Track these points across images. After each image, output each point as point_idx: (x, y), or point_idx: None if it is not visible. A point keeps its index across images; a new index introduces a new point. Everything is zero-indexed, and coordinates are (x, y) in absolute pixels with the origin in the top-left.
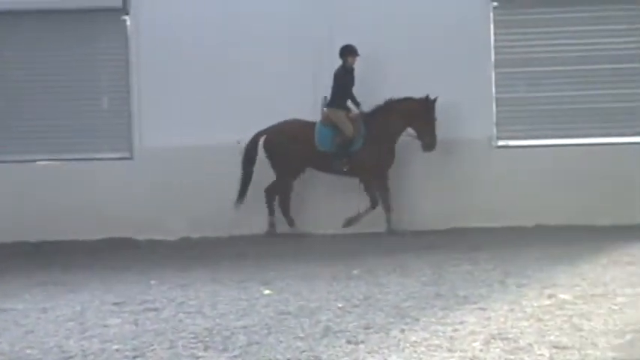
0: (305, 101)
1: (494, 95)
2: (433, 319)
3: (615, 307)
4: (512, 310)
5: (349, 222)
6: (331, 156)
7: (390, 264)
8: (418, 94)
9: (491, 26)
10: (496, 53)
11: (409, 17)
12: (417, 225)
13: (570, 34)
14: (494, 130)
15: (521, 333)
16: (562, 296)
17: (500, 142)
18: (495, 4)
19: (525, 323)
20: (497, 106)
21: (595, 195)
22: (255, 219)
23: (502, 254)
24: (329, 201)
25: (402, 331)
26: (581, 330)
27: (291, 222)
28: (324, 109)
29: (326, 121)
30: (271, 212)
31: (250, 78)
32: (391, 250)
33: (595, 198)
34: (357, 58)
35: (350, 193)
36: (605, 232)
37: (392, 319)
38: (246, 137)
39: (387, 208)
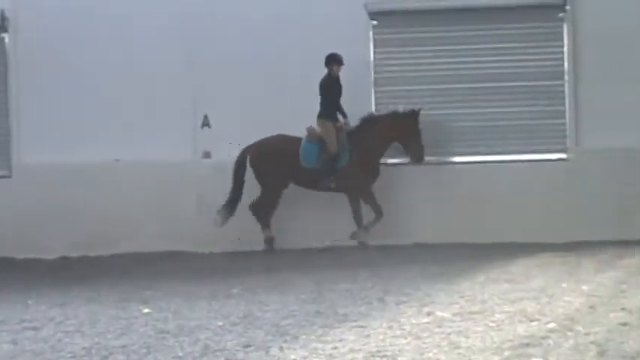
0: (185, 116)
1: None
2: (313, 337)
3: (493, 325)
4: (390, 327)
5: (357, 235)
6: (317, 173)
7: (270, 282)
8: (297, 112)
9: (371, 45)
10: (375, 72)
11: (289, 36)
12: (292, 243)
13: (451, 53)
14: None
15: (400, 351)
16: (440, 314)
17: (381, 160)
18: (375, 22)
19: (404, 341)
20: None
21: (476, 213)
22: (140, 235)
23: (381, 272)
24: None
25: (282, 349)
26: (459, 347)
27: (269, 239)
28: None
29: (311, 137)
30: (265, 226)
31: (132, 95)
32: (272, 268)
33: (476, 216)
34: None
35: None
36: (485, 250)
37: (271, 337)
38: (126, 154)
39: (379, 214)
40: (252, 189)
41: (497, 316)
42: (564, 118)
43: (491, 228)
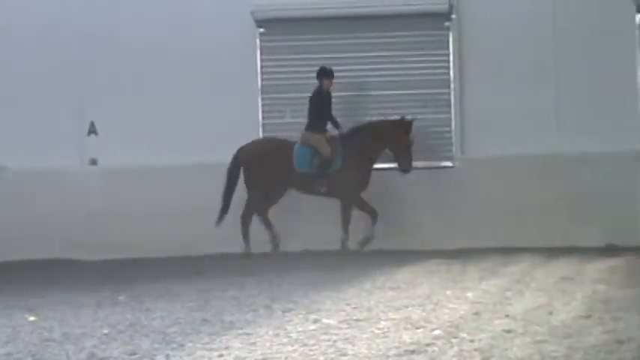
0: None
1: (260, 121)
2: (199, 345)
3: (379, 332)
4: (277, 335)
5: (364, 242)
6: (310, 177)
7: (156, 289)
8: (186, 118)
9: (258, 52)
10: (262, 79)
11: (176, 44)
12: (185, 250)
13: (338, 61)
14: None
15: (286, 358)
16: (327, 321)
17: None
18: (262, 30)
19: (290, 348)
20: (264, 131)
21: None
22: (28, 242)
23: (269, 279)
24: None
25: (167, 356)
26: (345, 355)
27: (247, 245)
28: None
29: (305, 141)
30: (268, 227)
31: (17, 100)
32: (158, 275)
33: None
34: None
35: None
36: (371, 257)
37: (157, 345)
38: (11, 161)
39: (374, 217)
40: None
41: (383, 323)
42: (450, 126)
43: (379, 235)
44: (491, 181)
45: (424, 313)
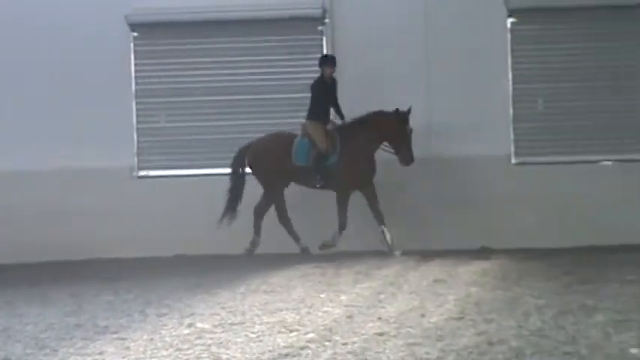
0: None
1: (135, 125)
2: (72, 350)
3: (253, 336)
4: (151, 339)
5: (323, 246)
6: (307, 170)
7: (29, 294)
8: (59, 122)
9: (132, 56)
10: (137, 83)
11: (50, 42)
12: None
13: (212, 65)
14: (136, 161)
15: None
16: (201, 325)
17: (142, 173)
18: (135, 34)
19: (165, 352)
20: (138, 136)
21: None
22: None
23: (143, 284)
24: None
25: None
26: (219, 359)
27: (296, 238)
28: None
29: (304, 133)
30: (256, 231)
31: None
32: (35, 280)
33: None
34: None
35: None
36: (246, 261)
37: (30, 351)
38: None
39: (342, 226)
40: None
41: (257, 327)
42: None
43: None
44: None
45: (298, 317)
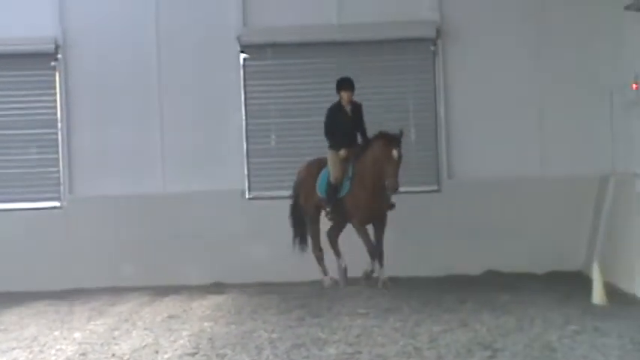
0: None
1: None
2: None
3: None
4: None
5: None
6: (323, 201)
7: None
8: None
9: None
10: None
11: None
12: None
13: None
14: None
15: None
16: None
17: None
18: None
19: None
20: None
21: None
22: None
23: None
24: None
25: None
26: None
27: (324, 271)
28: None
29: (327, 163)
30: (337, 254)
31: None
32: None
33: None
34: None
35: None
36: None
37: None
38: None
39: (372, 254)
40: None
41: None
42: (58, 166)
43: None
44: (99, 220)
45: (31, 355)
